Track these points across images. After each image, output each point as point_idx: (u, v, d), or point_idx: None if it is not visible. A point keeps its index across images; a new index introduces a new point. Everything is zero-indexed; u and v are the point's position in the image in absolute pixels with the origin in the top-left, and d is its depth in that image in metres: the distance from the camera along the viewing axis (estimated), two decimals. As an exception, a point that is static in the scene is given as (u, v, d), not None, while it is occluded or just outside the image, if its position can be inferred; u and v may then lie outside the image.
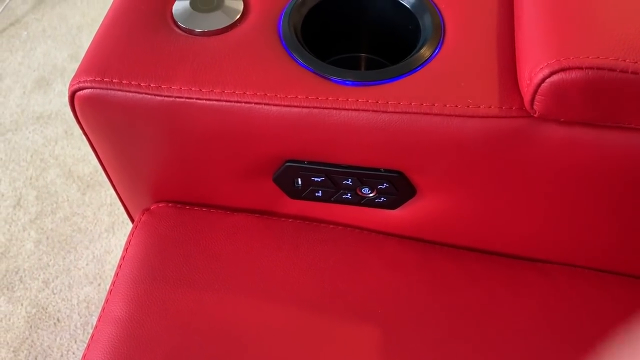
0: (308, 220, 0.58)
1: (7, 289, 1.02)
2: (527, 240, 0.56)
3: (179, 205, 0.58)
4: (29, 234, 1.08)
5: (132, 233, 0.57)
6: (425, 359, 0.49)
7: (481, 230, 0.55)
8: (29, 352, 0.96)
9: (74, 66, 1.29)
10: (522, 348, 0.50)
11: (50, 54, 1.33)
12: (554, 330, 0.52)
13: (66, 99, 1.27)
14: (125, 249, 0.56)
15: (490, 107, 0.44)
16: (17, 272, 1.04)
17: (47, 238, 1.08)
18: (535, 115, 0.43)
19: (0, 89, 1.29)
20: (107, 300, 0.53)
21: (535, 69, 0.41)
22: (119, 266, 0.55)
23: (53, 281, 1.03)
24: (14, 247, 1.07)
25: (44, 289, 1.02)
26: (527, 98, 0.42)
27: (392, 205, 0.53)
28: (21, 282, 1.03)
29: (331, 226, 0.57)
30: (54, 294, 1.02)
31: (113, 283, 0.54)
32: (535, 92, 0.41)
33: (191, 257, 0.54)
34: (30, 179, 1.16)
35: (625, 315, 0.52)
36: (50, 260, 1.05)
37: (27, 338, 0.97)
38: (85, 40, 1.34)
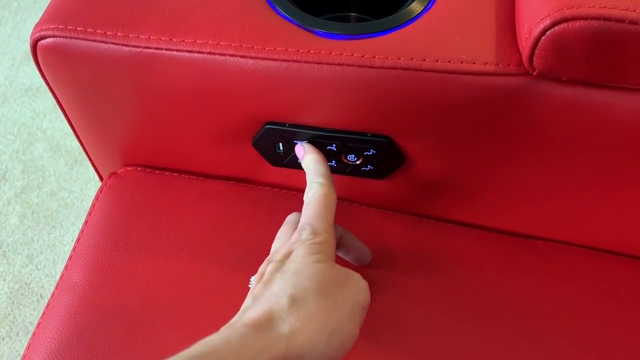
0: (293, 190, 0.54)
1: (-8, 263, 0.99)
2: (523, 214, 0.53)
3: (148, 170, 0.55)
4: (14, 208, 1.05)
5: (96, 197, 0.54)
6: (409, 337, 0.46)
7: (473, 203, 0.52)
8: (11, 328, 0.94)
9: (66, 39, 1.26)
10: (510, 325, 0.47)
11: (42, 26, 1.29)
12: (545, 308, 0.49)
13: (56, 72, 1.24)
14: (89, 214, 0.53)
15: (485, 63, 0.40)
16: (0, 247, 1.01)
17: (33, 213, 1.05)
18: (534, 73, 0.39)
19: (-12, 60, 1.26)
20: (66, 267, 0.50)
21: (535, 20, 0.37)
22: (81, 231, 0.52)
23: (37, 257, 1.01)
24: (-3, 221, 1.04)
25: (27, 265, 1.00)
26: (525, 53, 0.38)
27: (379, 174, 0.49)
28: (4, 257, 1.00)
29: None
30: (38, 269, 1.00)
31: (74, 249, 0.51)
32: (535, 46, 0.37)
33: (158, 224, 0.51)
34: (17, 152, 1.13)
35: (621, 295, 0.50)
36: (35, 235, 1.03)
37: (9, 314, 0.95)
38: (77, 13, 1.30)
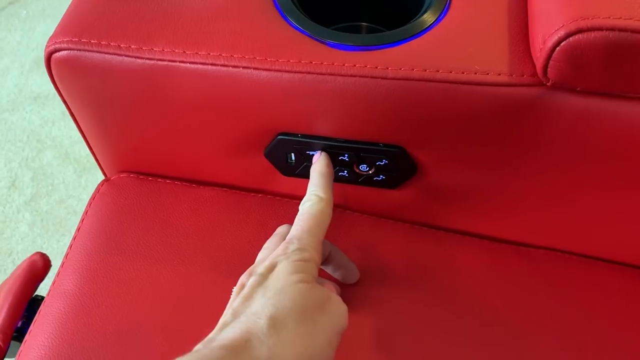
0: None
1: (0, 272, 1.00)
2: (531, 224, 0.52)
3: (141, 177, 0.55)
4: (24, 216, 1.06)
5: (89, 204, 0.54)
6: (399, 350, 0.46)
7: (482, 213, 0.51)
8: (20, 336, 0.94)
9: (74, 46, 1.27)
10: (502, 333, 0.47)
11: (49, 33, 1.30)
12: (536, 317, 0.48)
13: (64, 80, 1.25)
14: (81, 221, 0.53)
15: (499, 74, 0.40)
16: (10, 255, 1.02)
17: (42, 220, 1.05)
18: (548, 84, 0.39)
19: (-2, 68, 1.27)
20: (58, 274, 0.50)
21: (550, 31, 0.37)
22: (73, 238, 0.52)
23: (46, 264, 1.01)
24: (7, 228, 1.04)
25: (36, 272, 1.00)
26: (540, 64, 0.38)
27: (391, 184, 0.49)
28: (14, 264, 1.00)
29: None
30: (48, 277, 1.00)
31: (66, 256, 0.51)
32: (549, 56, 0.37)
33: (149, 231, 0.51)
34: (26, 159, 1.13)
35: (614, 304, 0.49)
36: (45, 242, 1.03)
37: (18, 322, 0.95)
38: (85, 21, 1.31)
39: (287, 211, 0.54)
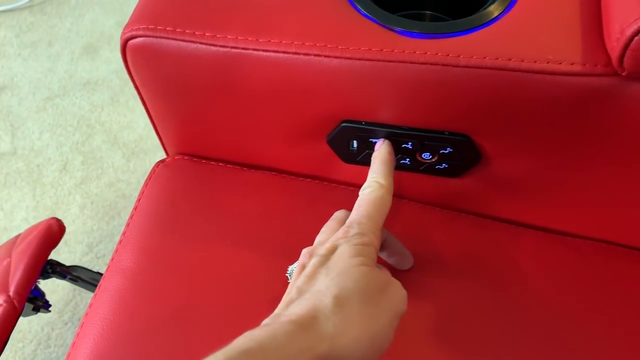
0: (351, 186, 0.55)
1: (53, 251, 1.03)
2: (592, 216, 0.52)
3: (195, 159, 0.56)
4: (74, 198, 1.09)
5: (145, 184, 0.56)
6: (459, 330, 0.47)
7: (543, 205, 0.51)
8: (73, 314, 0.97)
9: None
10: (548, 324, 0.47)
11: (98, 21, 1.33)
12: (584, 308, 0.48)
13: (113, 66, 1.27)
14: (138, 200, 0.55)
15: (572, 63, 0.40)
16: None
17: (92, 203, 1.09)
18: (623, 74, 0.39)
19: (49, 54, 1.30)
20: (116, 251, 0.52)
21: (629, 20, 0.36)
22: (131, 217, 0.54)
23: (97, 245, 1.04)
24: (59, 210, 1.08)
25: (87, 253, 1.03)
26: (615, 53, 0.38)
27: (453, 172, 0.50)
28: (66, 245, 1.04)
29: (350, 188, 0.55)
30: (97, 258, 1.03)
31: (123, 233, 0.53)
32: (627, 46, 0.37)
33: (203, 211, 0.52)
34: (77, 144, 1.16)
35: None
36: (95, 224, 1.06)
37: (71, 300, 0.98)
38: (132, 8, 1.33)
39: (334, 196, 0.54)
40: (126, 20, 0.46)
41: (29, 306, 0.61)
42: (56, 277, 0.66)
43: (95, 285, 0.73)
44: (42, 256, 0.59)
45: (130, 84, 1.28)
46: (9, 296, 0.55)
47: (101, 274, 0.74)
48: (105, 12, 1.33)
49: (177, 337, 0.47)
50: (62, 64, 1.28)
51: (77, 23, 1.34)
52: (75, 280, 0.70)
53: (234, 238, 0.52)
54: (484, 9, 0.44)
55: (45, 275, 0.64)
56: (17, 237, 0.65)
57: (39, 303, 0.63)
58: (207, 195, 0.54)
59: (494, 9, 0.44)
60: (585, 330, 0.47)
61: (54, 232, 0.61)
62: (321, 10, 0.44)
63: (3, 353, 0.94)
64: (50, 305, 0.65)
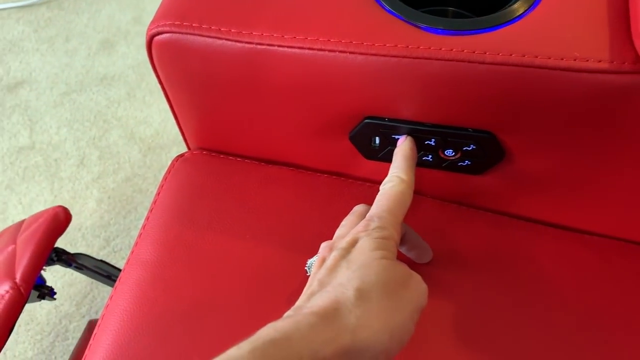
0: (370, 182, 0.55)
1: (70, 245, 1.04)
2: (615, 215, 0.52)
3: (213, 154, 0.57)
4: (92, 193, 1.10)
5: (164, 178, 0.56)
6: (477, 325, 0.47)
7: (566, 204, 0.51)
8: (90, 307, 0.99)
9: (138, 29, 1.30)
10: (567, 322, 0.47)
11: (115, 16, 1.33)
12: (602, 307, 0.48)
13: (129, 61, 1.28)
14: (157, 194, 0.55)
15: (599, 61, 0.40)
16: (79, 229, 1.06)
17: (109, 197, 1.09)
18: (651, 72, 0.38)
19: (66, 49, 1.31)
20: (136, 244, 0.53)
21: (659, 17, 0.36)
22: (150, 210, 0.54)
23: (114, 239, 1.05)
24: (77, 204, 1.09)
25: (105, 247, 1.04)
26: (644, 51, 0.38)
27: (476, 169, 0.50)
28: (83, 238, 1.05)
29: (367, 184, 0.55)
30: (115, 252, 1.04)
31: (143, 227, 0.53)
32: (656, 43, 0.37)
33: (221, 205, 0.53)
34: (94, 139, 1.17)
35: None
36: (112, 219, 1.07)
37: (88, 293, 1.00)
38: (148, 4, 1.34)
39: (353, 191, 0.55)
40: (142, 16, 0.46)
41: (34, 293, 0.62)
42: (61, 265, 0.67)
43: (100, 274, 0.74)
44: (48, 244, 0.59)
45: (147, 80, 1.29)
46: (15, 283, 0.56)
47: (105, 262, 0.74)
48: (121, 7, 1.34)
49: (197, 329, 0.47)
50: (79, 59, 1.29)
51: (94, 18, 1.35)
52: (80, 268, 0.70)
53: (253, 232, 0.52)
54: (508, 7, 0.44)
55: (50, 262, 0.65)
56: (20, 223, 0.65)
57: (44, 290, 0.64)
58: (226, 190, 0.55)
59: (518, 7, 0.44)
60: (605, 329, 0.47)
61: (60, 220, 0.61)
62: (346, 7, 0.44)
63: (21, 344, 0.95)
64: (55, 293, 0.66)
